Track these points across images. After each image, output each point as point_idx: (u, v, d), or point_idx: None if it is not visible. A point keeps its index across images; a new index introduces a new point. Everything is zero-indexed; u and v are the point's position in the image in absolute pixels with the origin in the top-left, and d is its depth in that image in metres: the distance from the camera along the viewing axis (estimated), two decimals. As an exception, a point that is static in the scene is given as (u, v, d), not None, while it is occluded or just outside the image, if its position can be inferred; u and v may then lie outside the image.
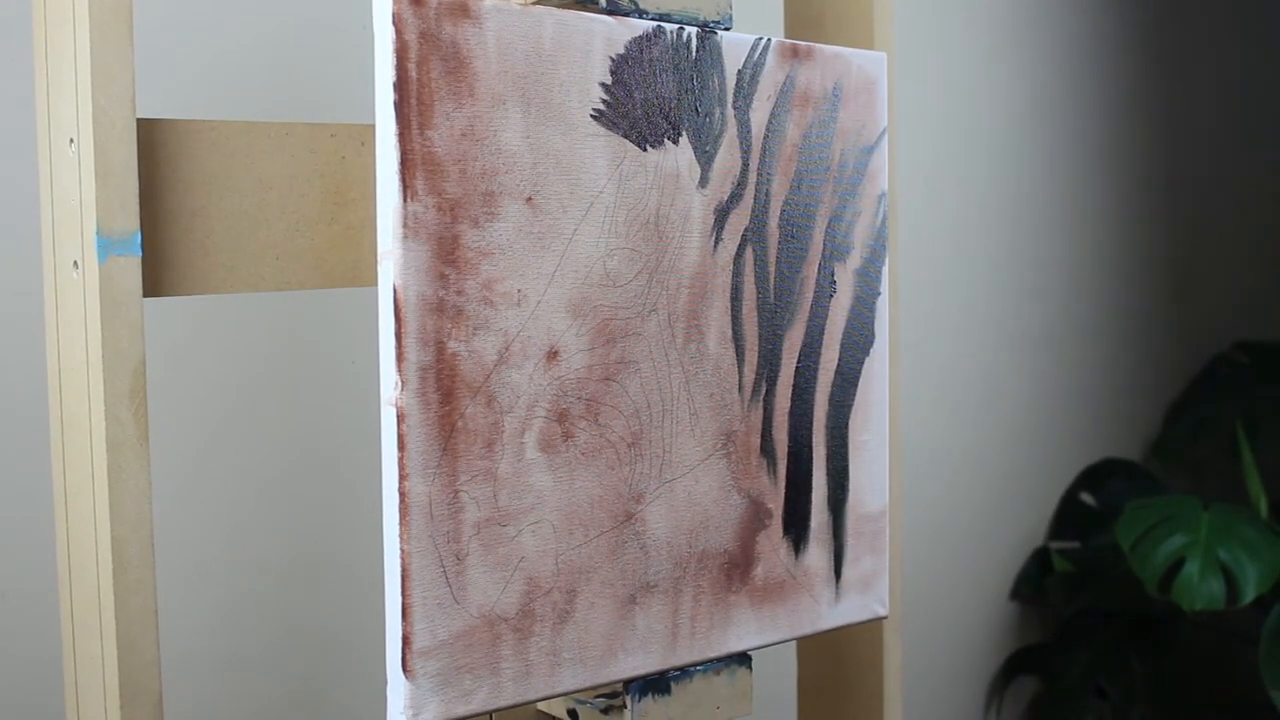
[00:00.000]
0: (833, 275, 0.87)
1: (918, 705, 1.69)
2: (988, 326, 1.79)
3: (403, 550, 0.68)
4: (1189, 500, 1.64)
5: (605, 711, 0.80)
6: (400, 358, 0.67)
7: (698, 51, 0.79)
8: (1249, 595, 1.49)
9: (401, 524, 0.67)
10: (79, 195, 0.66)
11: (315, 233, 0.75)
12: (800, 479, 0.86)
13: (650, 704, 0.80)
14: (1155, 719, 1.77)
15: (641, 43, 0.76)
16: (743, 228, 0.82)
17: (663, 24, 0.77)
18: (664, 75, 0.77)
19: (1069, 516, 1.90)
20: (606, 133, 0.75)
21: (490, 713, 0.72)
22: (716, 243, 0.80)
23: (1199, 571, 1.52)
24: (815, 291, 0.86)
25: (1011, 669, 1.82)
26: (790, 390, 0.85)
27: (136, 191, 0.67)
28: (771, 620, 0.84)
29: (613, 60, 0.75)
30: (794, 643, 1.09)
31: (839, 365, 0.88)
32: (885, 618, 0.92)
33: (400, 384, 0.67)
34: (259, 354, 1.10)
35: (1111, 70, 1.98)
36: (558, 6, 0.74)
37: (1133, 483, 1.89)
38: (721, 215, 0.80)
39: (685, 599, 0.80)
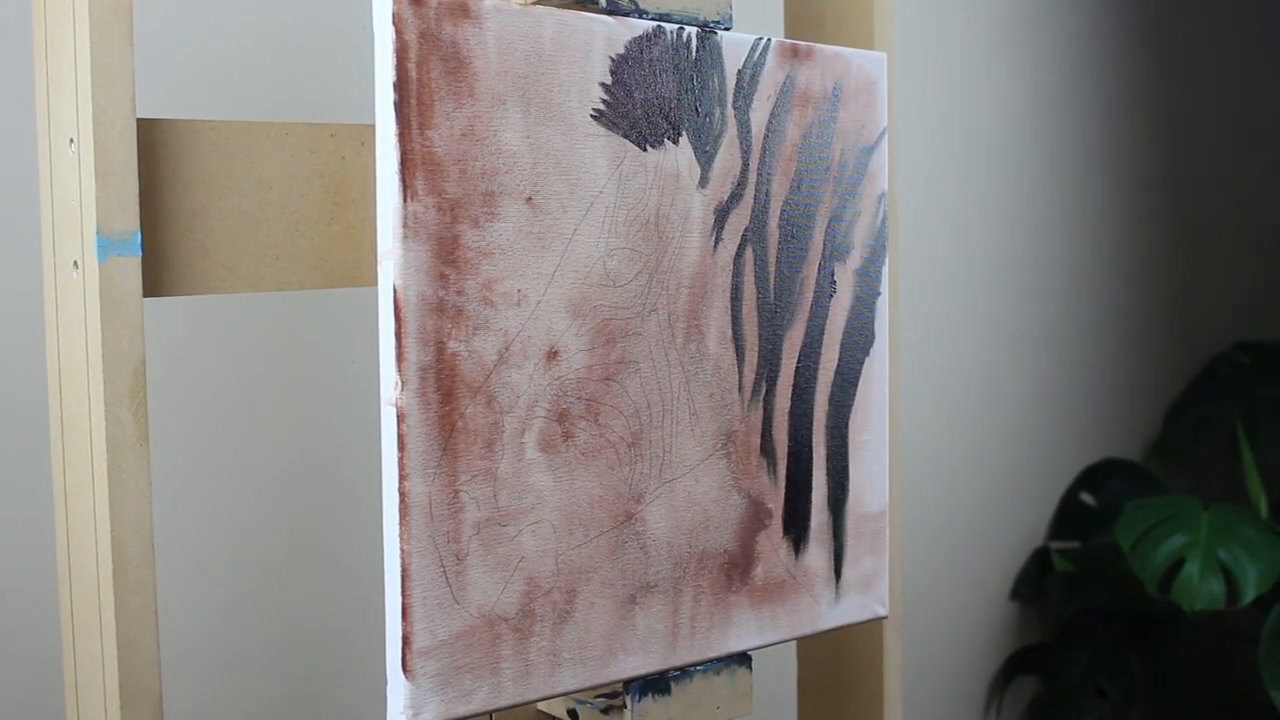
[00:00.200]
0: (833, 275, 0.87)
1: (918, 705, 1.69)
2: (988, 326, 1.79)
3: (403, 550, 0.68)
4: (1189, 500, 1.64)
5: (605, 711, 0.80)
6: (400, 358, 0.67)
7: (698, 51, 0.79)
8: (1249, 595, 1.49)
9: (401, 524, 0.67)
10: (79, 195, 0.66)
11: (315, 233, 0.75)
12: (800, 479, 0.86)
13: (650, 704, 0.80)
14: (1155, 719, 1.77)
15: (641, 43, 0.76)
16: (743, 228, 0.82)
17: (663, 24, 0.77)
18: (664, 75, 0.77)
19: (1069, 516, 1.90)
20: (606, 133, 0.75)
21: (490, 713, 0.72)
22: (716, 243, 0.80)
23: (1199, 571, 1.52)
24: (815, 291, 0.86)
25: (1011, 669, 1.82)
26: (790, 390, 0.85)
27: (136, 191, 0.67)
28: (771, 620, 0.84)
29: (613, 60, 0.75)
30: (794, 643, 1.09)
31: (839, 365, 0.88)
32: (885, 618, 0.92)
33: (400, 384, 0.67)
34: (259, 354, 1.10)
35: (1111, 70, 1.98)
36: (558, 6, 0.74)
37: (1133, 483, 1.89)
38: (721, 215, 0.80)
39: (685, 599, 0.80)
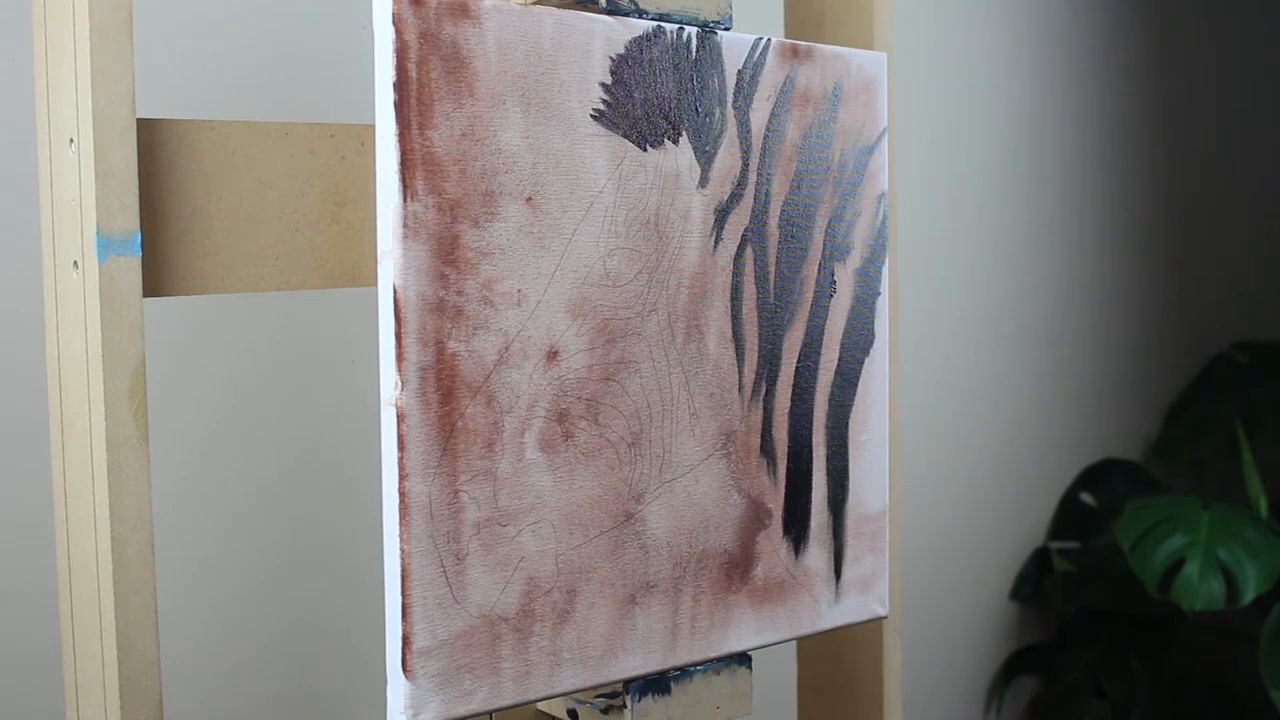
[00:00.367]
0: (833, 275, 0.87)
1: (918, 705, 1.69)
2: (988, 326, 1.79)
3: (403, 550, 0.68)
4: (1189, 500, 1.64)
5: (605, 711, 0.80)
6: (400, 358, 0.67)
7: (698, 51, 0.79)
8: (1249, 595, 1.49)
9: (401, 524, 0.67)
10: (79, 195, 0.66)
11: (315, 233, 0.75)
12: (800, 479, 0.86)
13: (650, 704, 0.80)
14: (1155, 719, 1.77)
15: (641, 43, 0.76)
16: (743, 228, 0.82)
17: (663, 24, 0.77)
18: (664, 75, 0.77)
19: (1069, 516, 1.90)
20: (606, 133, 0.75)
21: (490, 713, 0.72)
22: (716, 243, 0.80)
23: (1199, 571, 1.52)
24: (815, 291, 0.86)
25: (1011, 669, 1.82)
26: (790, 390, 0.85)
27: (136, 191, 0.67)
28: (771, 620, 0.84)
29: (613, 60, 0.75)
30: (794, 643, 1.09)
31: (839, 365, 0.88)
32: (885, 618, 0.92)
33: (400, 384, 0.67)
34: (259, 354, 1.10)
35: (1111, 70, 1.98)
36: (558, 6, 0.74)
37: (1133, 483, 1.89)
38: (721, 215, 0.80)
39: (685, 599, 0.80)
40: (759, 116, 0.82)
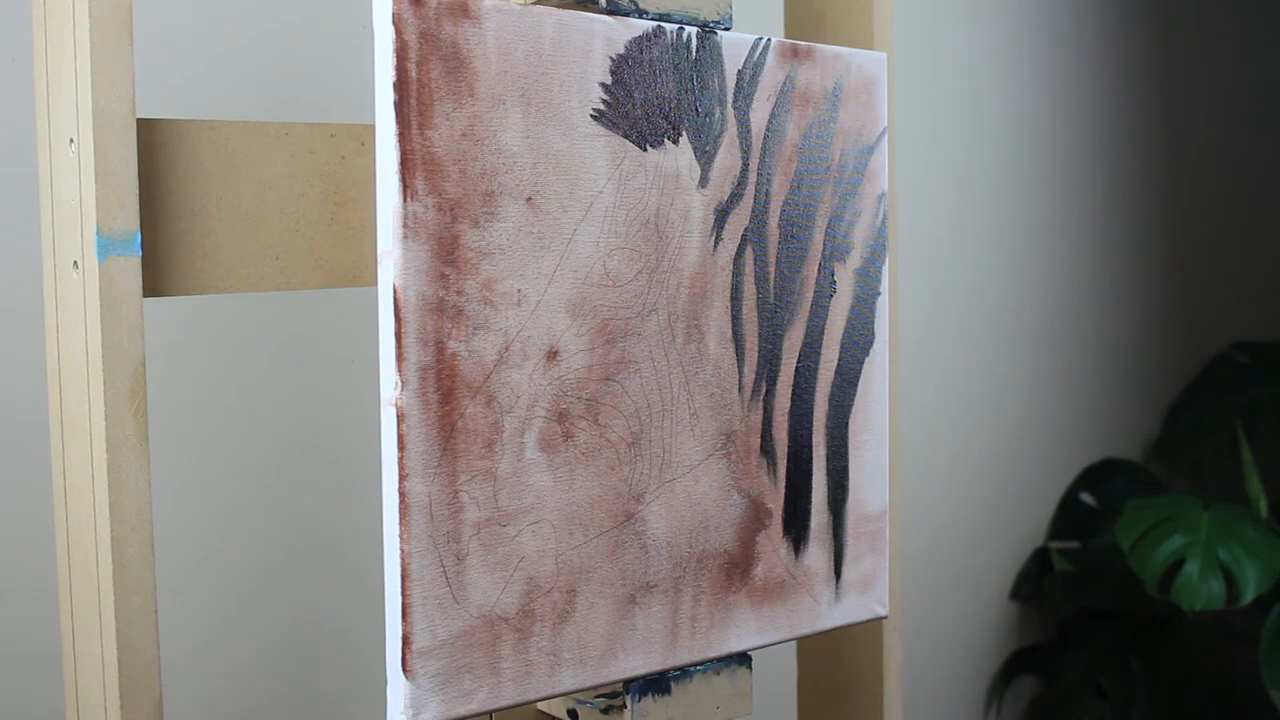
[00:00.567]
0: (833, 275, 0.87)
1: (918, 705, 1.69)
2: (988, 326, 1.79)
3: (403, 550, 0.68)
4: (1189, 500, 1.64)
5: (605, 711, 0.80)
6: (400, 358, 0.67)
7: (698, 51, 0.79)
8: (1249, 595, 1.49)
9: (401, 524, 0.67)
10: (79, 195, 0.66)
11: (315, 233, 0.75)
12: (800, 479, 0.86)
13: (650, 704, 0.80)
14: (1155, 719, 1.77)
15: (641, 43, 0.76)
16: (743, 228, 0.82)
17: (663, 24, 0.77)
18: (664, 75, 0.77)
19: (1069, 516, 1.90)
20: (606, 133, 0.75)
21: (490, 713, 0.72)
22: (716, 243, 0.80)
23: (1199, 571, 1.52)
24: (815, 291, 0.86)
25: (1011, 669, 1.82)
26: (790, 390, 0.85)
27: (136, 191, 0.67)
28: (771, 620, 0.84)
29: (613, 60, 0.75)
30: (794, 643, 1.09)
31: (839, 365, 0.88)
32: (885, 618, 0.92)
33: (400, 384, 0.67)
34: (259, 354, 1.10)
35: (1111, 70, 1.98)
36: (558, 6, 0.74)
37: (1133, 483, 1.89)
38: (721, 215, 0.80)
39: (685, 599, 0.80)
40: (759, 116, 0.82)
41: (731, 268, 0.81)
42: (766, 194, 0.83)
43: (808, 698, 1.06)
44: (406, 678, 0.68)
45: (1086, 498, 1.91)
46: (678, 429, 0.79)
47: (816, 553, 0.87)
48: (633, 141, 0.76)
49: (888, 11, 0.98)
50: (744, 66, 0.81)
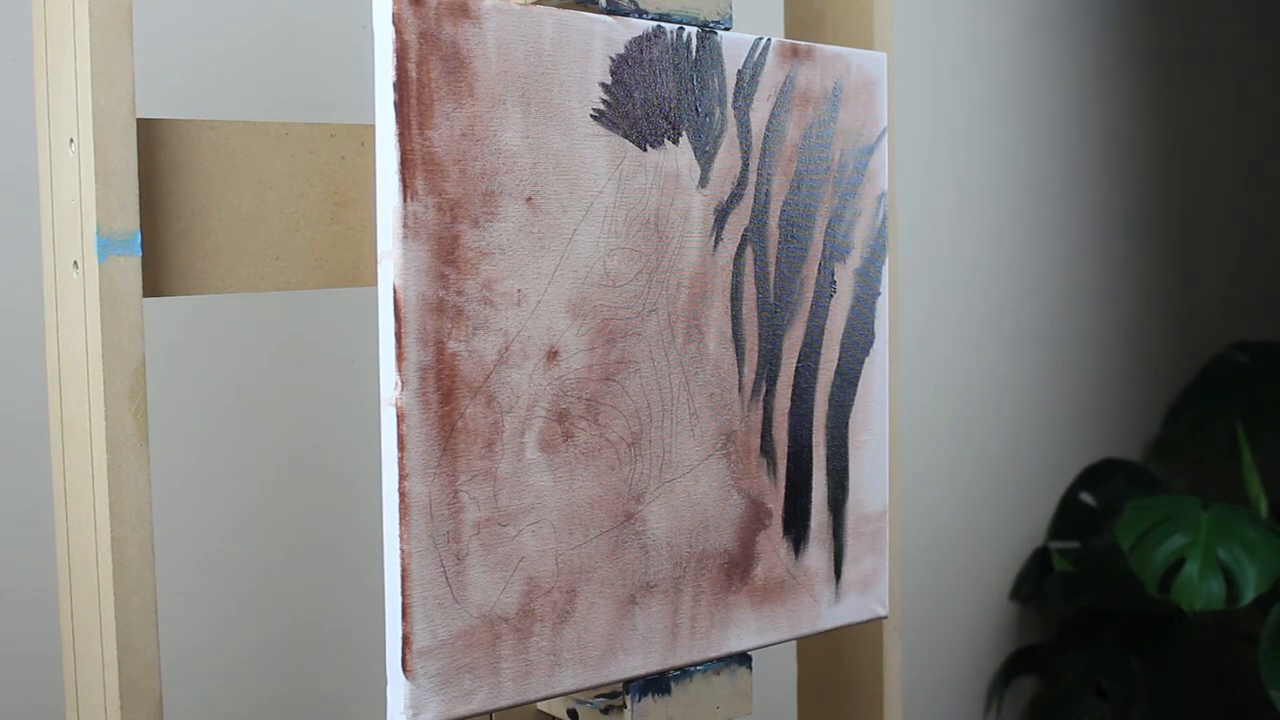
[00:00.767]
0: (833, 275, 0.87)
1: (918, 705, 1.69)
2: (988, 326, 1.79)
3: (403, 550, 0.68)
4: (1189, 500, 1.64)
5: (605, 711, 0.80)
6: (400, 358, 0.67)
7: (698, 51, 0.79)
8: (1249, 595, 1.49)
9: (401, 524, 0.67)
10: (79, 195, 0.66)
11: (315, 233, 0.75)
12: (800, 479, 0.86)
13: (650, 704, 0.80)
14: (1155, 719, 1.77)
15: (641, 43, 0.76)
16: (743, 228, 0.82)
17: (663, 24, 0.77)
18: (664, 75, 0.77)
19: (1069, 516, 1.90)
20: (606, 133, 0.75)
21: (490, 713, 0.72)
22: (716, 243, 0.80)
23: (1199, 571, 1.52)
24: (815, 291, 0.86)
25: (1011, 669, 1.82)
26: (790, 390, 0.85)
27: (136, 191, 0.67)
28: (771, 620, 0.84)
29: (613, 60, 0.75)
30: (794, 643, 1.09)
31: (839, 365, 0.88)
32: (885, 618, 0.92)
33: (400, 384, 0.67)
34: (259, 354, 1.10)
35: (1111, 70, 1.98)
36: (558, 6, 0.74)
37: (1133, 483, 1.89)
38: (721, 215, 0.80)
39: (685, 599, 0.80)
40: (759, 116, 0.82)
41: (731, 268, 0.81)
42: (766, 194, 0.83)
43: (808, 698, 1.06)
44: (406, 678, 0.68)
45: (1086, 498, 1.91)
46: (678, 429, 0.79)
47: (816, 553, 0.87)
48: (633, 141, 0.76)
49: (888, 11, 0.98)
50: (744, 66, 0.81)
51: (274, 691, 1.11)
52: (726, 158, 0.80)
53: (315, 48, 1.11)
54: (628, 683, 0.79)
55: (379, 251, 0.68)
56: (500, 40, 0.70)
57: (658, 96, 0.77)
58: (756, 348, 0.83)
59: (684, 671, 0.81)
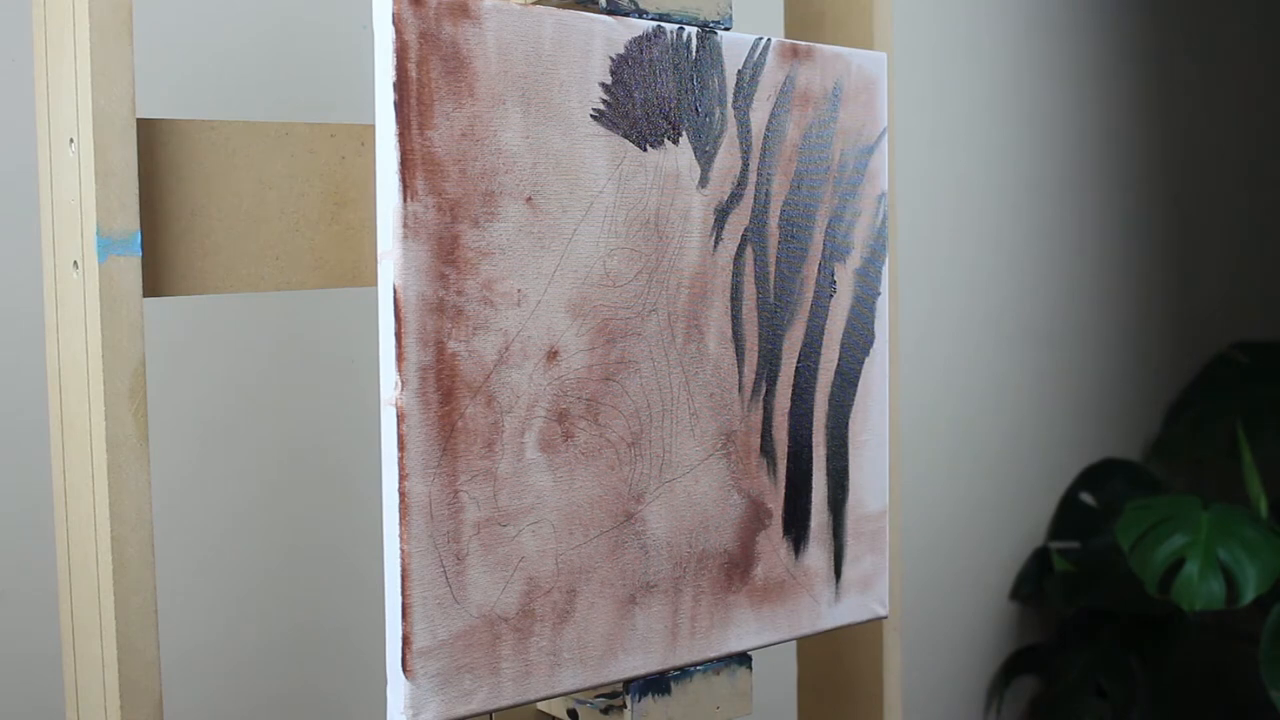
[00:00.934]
0: (833, 275, 0.87)
1: (918, 705, 1.69)
2: (988, 326, 1.79)
3: (403, 550, 0.68)
4: (1189, 500, 1.64)
5: (605, 711, 0.80)
6: (400, 358, 0.67)
7: (698, 51, 0.79)
8: (1249, 595, 1.49)
9: (401, 524, 0.67)
10: (79, 195, 0.66)
11: (315, 233, 0.75)
12: (800, 479, 0.86)
13: (650, 704, 0.80)
14: (1155, 719, 1.77)
15: (641, 43, 0.76)
16: (743, 228, 0.82)
17: (663, 24, 0.77)
18: (664, 75, 0.77)
19: (1069, 516, 1.90)
20: (606, 133, 0.75)
21: (490, 713, 0.72)
22: (716, 243, 0.80)
23: (1199, 571, 1.52)
24: (815, 291, 0.86)
25: (1011, 669, 1.82)
26: (790, 390, 0.85)
27: (136, 191, 0.67)
28: (771, 620, 0.84)
29: (613, 60, 0.75)
30: (794, 643, 1.09)
31: (839, 365, 0.88)
32: (885, 618, 0.92)
33: (400, 384, 0.67)
34: (259, 354, 1.10)
35: (1111, 70, 1.98)
36: (558, 6, 0.74)
37: (1133, 483, 1.89)
38: (721, 215, 0.80)
39: (685, 599, 0.80)
40: (759, 116, 0.82)
41: (731, 268, 0.81)
42: (766, 194, 0.83)
43: (808, 698, 1.06)
44: (406, 678, 0.68)
45: (1086, 498, 1.91)
46: (678, 429, 0.79)
47: (816, 553, 0.87)
48: (633, 141, 0.76)
49: (888, 11, 0.98)
50: (744, 66, 0.81)
51: (274, 691, 1.11)
52: (726, 158, 0.80)
53: (315, 48, 1.11)
54: (628, 683, 0.79)
55: (379, 251, 0.68)
56: (500, 40, 0.70)
57: (658, 96, 0.77)
58: (756, 348, 0.83)
59: (684, 671, 0.81)
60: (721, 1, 0.81)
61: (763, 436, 0.83)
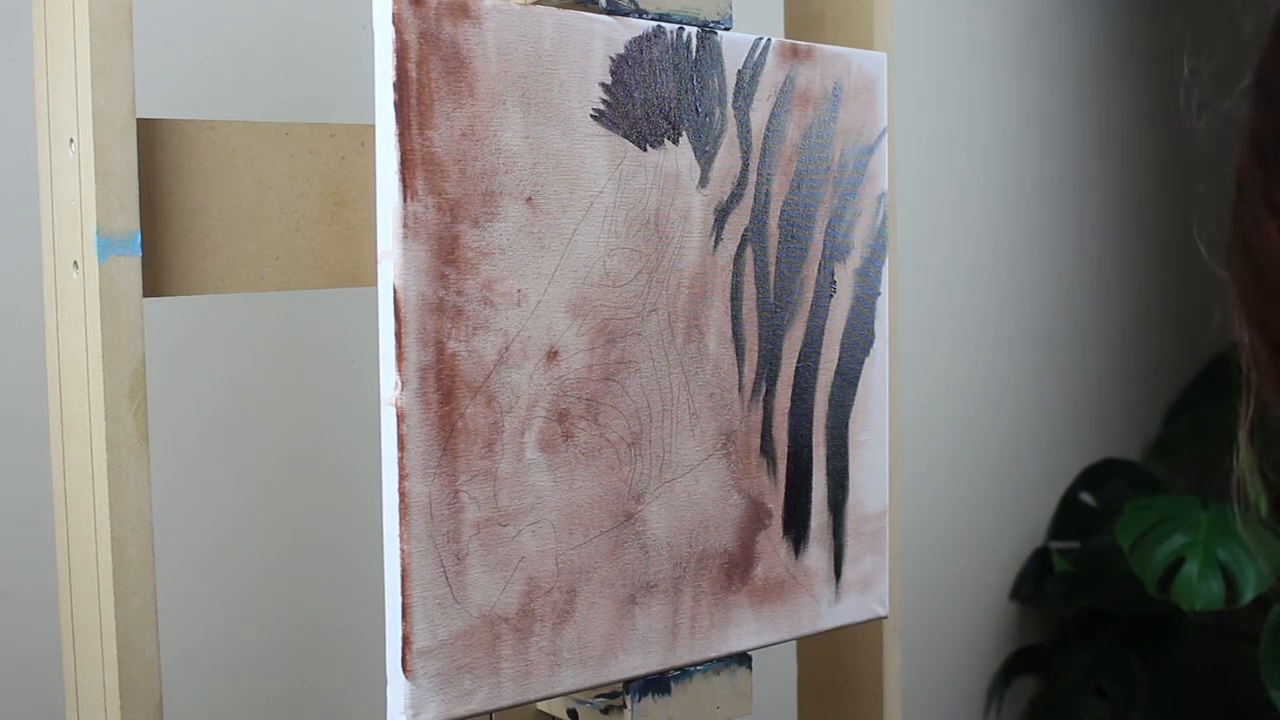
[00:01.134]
0: (833, 275, 0.87)
1: (918, 705, 1.69)
2: (988, 326, 1.79)
3: (403, 550, 0.68)
4: (1189, 500, 1.64)
5: (605, 711, 0.80)
6: (400, 358, 0.67)
7: (698, 51, 0.79)
8: (1248, 595, 1.49)
9: (401, 524, 0.67)
10: (79, 195, 0.66)
11: (315, 233, 0.75)
12: (800, 479, 0.86)
13: (650, 704, 0.80)
14: (1155, 719, 1.77)
15: (641, 43, 0.76)
16: (743, 228, 0.81)
17: (663, 24, 0.77)
18: (664, 75, 0.77)
19: (1069, 516, 1.90)
20: (606, 133, 0.75)
21: (490, 713, 0.72)
22: (716, 243, 0.80)
23: (1199, 571, 1.52)
24: (815, 291, 0.86)
25: (1011, 669, 1.82)
26: (790, 390, 0.85)
27: (136, 191, 0.67)
28: (771, 620, 0.84)
29: (613, 60, 0.75)
30: (794, 643, 1.09)
31: (839, 365, 0.88)
32: (885, 618, 0.92)
33: (400, 384, 0.67)
34: (259, 354, 1.10)
35: (1110, 70, 1.98)
36: (558, 6, 0.74)
37: (1133, 483, 1.89)
38: (721, 215, 0.80)
39: (685, 599, 0.80)
40: (759, 116, 0.82)
41: (731, 268, 0.81)
42: (766, 194, 0.83)
43: (808, 698, 1.06)
44: (406, 678, 0.68)
45: (1086, 498, 1.91)
46: (678, 429, 0.79)
47: (816, 553, 0.87)
48: (633, 141, 0.76)
49: (888, 11, 0.98)
50: (744, 66, 0.81)
51: (274, 691, 1.11)
52: (726, 158, 0.80)
53: (315, 48, 1.11)
54: (628, 683, 0.79)
55: (379, 251, 0.68)
56: (500, 40, 0.70)
57: (658, 96, 0.77)
58: (756, 348, 0.83)
59: (684, 671, 0.81)
60: (721, 1, 0.80)
61: (763, 436, 0.83)
